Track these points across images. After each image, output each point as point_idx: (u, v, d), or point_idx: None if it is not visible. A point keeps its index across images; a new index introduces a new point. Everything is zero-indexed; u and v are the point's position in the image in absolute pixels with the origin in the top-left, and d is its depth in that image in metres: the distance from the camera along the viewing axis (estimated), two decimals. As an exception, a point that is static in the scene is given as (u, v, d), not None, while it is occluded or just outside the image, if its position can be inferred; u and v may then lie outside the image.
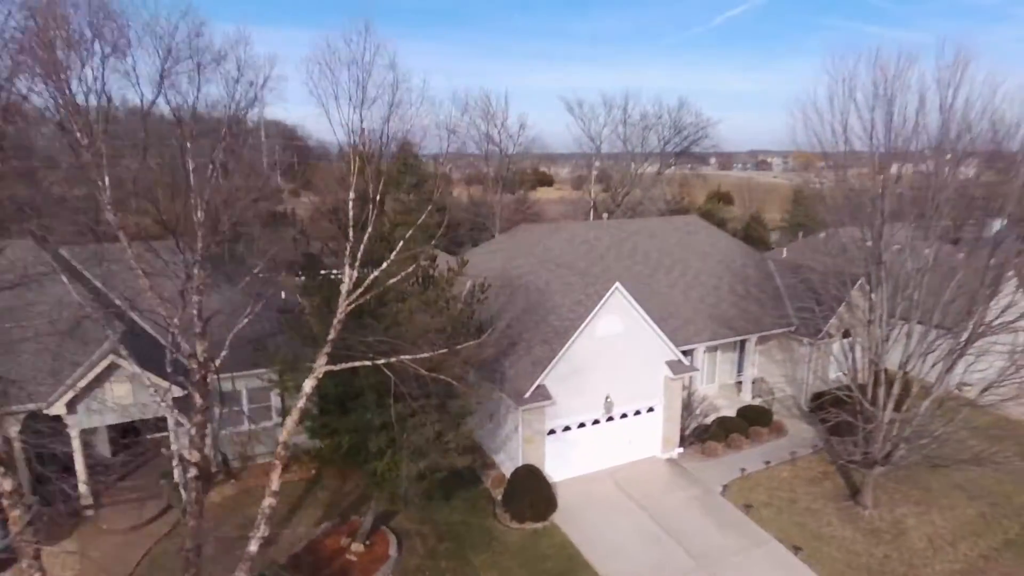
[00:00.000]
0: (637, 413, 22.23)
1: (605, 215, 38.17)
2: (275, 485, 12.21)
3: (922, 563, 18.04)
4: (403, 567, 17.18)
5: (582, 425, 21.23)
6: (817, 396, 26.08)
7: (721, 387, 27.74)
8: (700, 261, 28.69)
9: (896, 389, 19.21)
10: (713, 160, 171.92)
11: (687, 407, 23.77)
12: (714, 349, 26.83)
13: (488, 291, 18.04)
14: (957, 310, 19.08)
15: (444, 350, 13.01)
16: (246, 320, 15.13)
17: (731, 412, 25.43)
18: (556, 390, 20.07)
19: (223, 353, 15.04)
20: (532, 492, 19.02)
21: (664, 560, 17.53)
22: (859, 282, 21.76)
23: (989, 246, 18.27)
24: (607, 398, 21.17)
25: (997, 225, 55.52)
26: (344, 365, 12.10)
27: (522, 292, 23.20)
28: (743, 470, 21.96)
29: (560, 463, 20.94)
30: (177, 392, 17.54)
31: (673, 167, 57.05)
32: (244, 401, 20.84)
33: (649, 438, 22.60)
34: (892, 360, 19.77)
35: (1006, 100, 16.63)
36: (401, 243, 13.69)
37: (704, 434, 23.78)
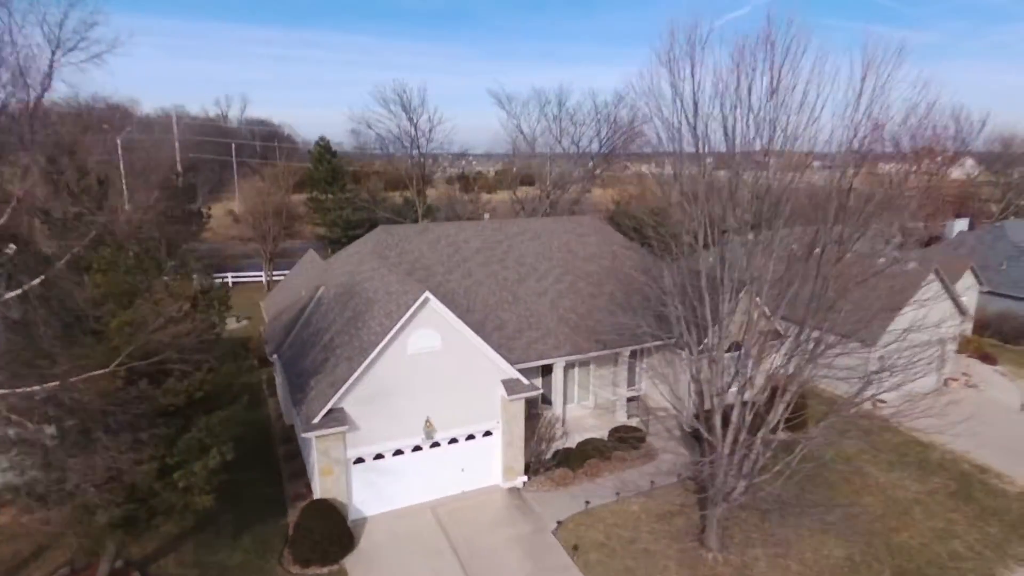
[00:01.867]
0: (471, 438, 19.78)
1: (486, 215, 35.77)
2: None
3: (755, 620, 15.58)
4: (140, 624, 14.78)
5: (399, 453, 18.78)
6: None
7: (598, 406, 25.22)
8: (582, 266, 26.22)
9: (735, 417, 16.71)
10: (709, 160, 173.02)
11: (538, 430, 21.32)
12: (586, 364, 24.34)
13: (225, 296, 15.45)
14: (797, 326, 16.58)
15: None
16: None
17: (602, 434, 23.00)
18: (360, 413, 17.66)
19: None
20: (316, 531, 16.58)
21: (449, 616, 15.09)
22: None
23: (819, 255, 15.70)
24: (427, 422, 18.72)
25: (961, 226, 52.41)
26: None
27: (353, 301, 20.77)
28: (587, 502, 19.47)
29: (373, 496, 18.52)
30: None
31: (624, 166, 54.67)
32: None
33: (487, 466, 20.15)
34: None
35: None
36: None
37: (556, 459, 21.33)
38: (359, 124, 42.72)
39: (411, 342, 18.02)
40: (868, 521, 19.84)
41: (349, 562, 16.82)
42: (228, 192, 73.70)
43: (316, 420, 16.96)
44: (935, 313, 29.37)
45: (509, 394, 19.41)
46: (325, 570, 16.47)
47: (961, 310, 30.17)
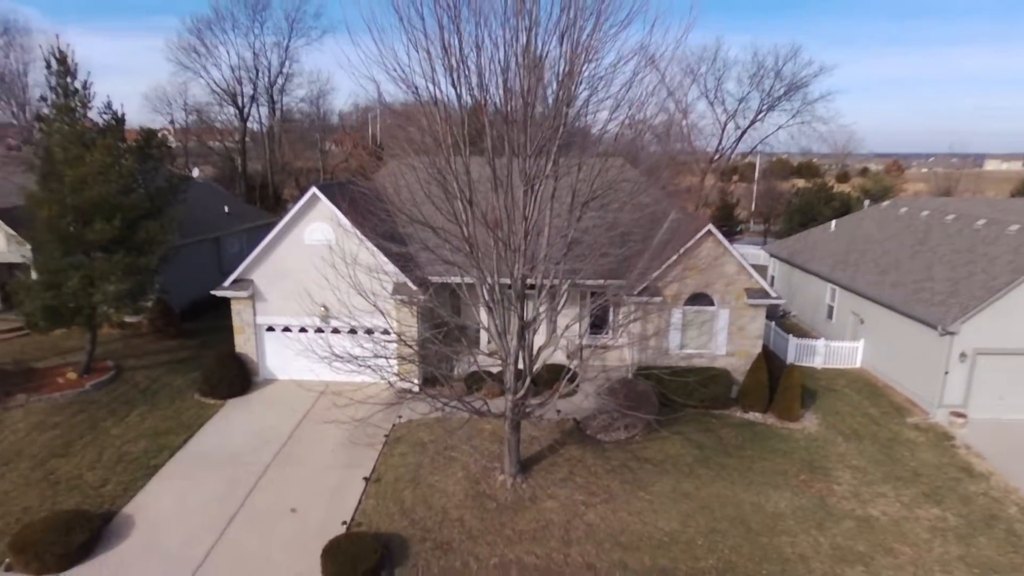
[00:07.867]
0: (370, 332, 21.52)
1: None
2: None
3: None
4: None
5: (304, 331, 21.65)
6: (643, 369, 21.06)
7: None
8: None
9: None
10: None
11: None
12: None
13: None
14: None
15: None
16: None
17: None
18: (268, 288, 21.43)
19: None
20: (215, 375, 20.64)
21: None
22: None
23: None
24: (322, 307, 21.18)
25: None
26: None
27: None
28: (440, 409, 19.48)
29: (282, 364, 22.10)
30: None
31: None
32: None
33: (388, 361, 21.60)
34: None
35: None
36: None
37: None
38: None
39: (307, 233, 20.73)
40: (751, 511, 15.72)
41: (232, 402, 20.55)
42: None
43: (227, 284, 21.00)
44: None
45: (394, 295, 20.66)
46: (212, 402, 20.48)
47: None
